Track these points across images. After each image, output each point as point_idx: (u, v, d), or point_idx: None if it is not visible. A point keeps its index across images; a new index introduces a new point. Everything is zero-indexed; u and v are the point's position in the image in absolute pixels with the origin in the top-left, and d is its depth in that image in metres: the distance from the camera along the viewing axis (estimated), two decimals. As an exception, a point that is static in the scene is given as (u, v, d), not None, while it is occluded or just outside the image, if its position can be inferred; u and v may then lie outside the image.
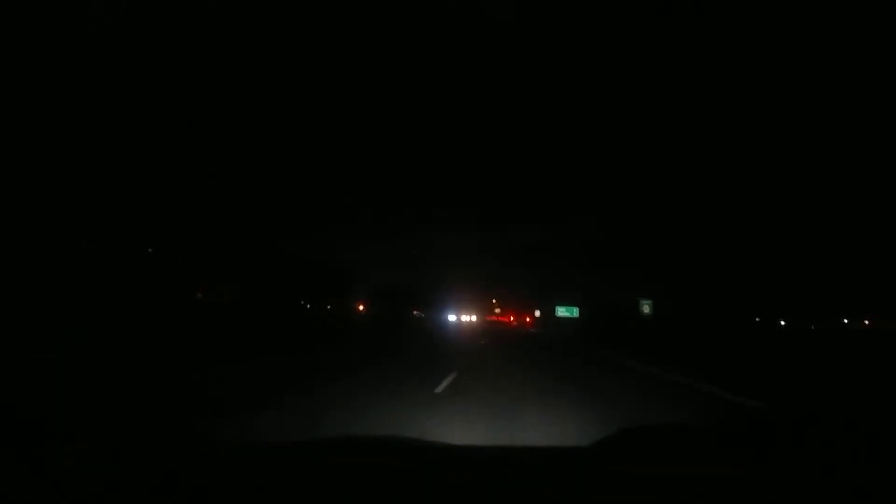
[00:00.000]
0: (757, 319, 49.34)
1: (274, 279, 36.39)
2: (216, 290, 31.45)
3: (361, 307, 62.54)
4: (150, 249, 25.04)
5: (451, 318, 71.95)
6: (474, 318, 77.45)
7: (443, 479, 1.24)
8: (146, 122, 27.20)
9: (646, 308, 46.83)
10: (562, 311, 55.03)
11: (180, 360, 9.41)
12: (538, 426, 4.90)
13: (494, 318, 79.55)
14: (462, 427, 4.76)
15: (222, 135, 33.01)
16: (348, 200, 58.87)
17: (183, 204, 27.64)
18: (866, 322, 51.76)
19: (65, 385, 7.00)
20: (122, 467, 1.24)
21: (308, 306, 47.95)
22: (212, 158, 30.77)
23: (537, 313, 65.14)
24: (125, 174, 26.39)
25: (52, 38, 25.51)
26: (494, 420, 5.10)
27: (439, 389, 7.05)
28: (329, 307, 52.64)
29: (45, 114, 24.50)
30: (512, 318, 73.74)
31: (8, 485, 1.11)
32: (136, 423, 4.66)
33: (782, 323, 50.73)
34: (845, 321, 51.95)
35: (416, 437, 1.68)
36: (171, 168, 28.16)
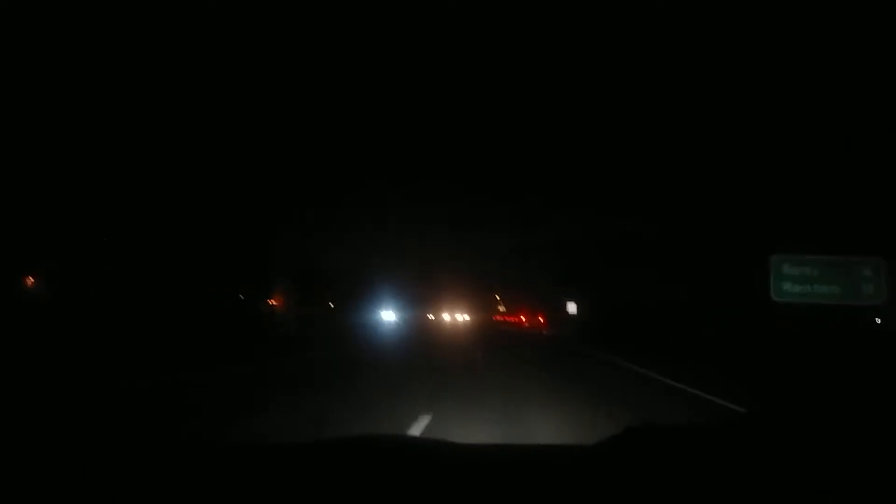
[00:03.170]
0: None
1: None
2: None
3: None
4: (104, 239, 24.76)
5: (388, 316, 46.95)
6: (467, 317, 64.99)
7: (445, 479, 1.22)
8: (143, 122, 27.47)
9: None
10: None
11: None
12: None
13: (500, 317, 68.48)
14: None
15: (221, 134, 33.22)
16: (348, 199, 58.22)
17: (175, 201, 27.80)
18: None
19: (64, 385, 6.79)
20: (122, 467, 1.24)
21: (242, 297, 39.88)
22: (211, 157, 30.94)
23: (571, 307, 43.67)
24: (122, 173, 26.69)
25: (52, 37, 25.88)
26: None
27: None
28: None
29: (44, 113, 24.90)
30: (523, 318, 60.20)
31: (8, 485, 1.10)
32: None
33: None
34: (878, 320, 48.97)
35: (418, 437, 1.47)
36: (168, 167, 28.36)
